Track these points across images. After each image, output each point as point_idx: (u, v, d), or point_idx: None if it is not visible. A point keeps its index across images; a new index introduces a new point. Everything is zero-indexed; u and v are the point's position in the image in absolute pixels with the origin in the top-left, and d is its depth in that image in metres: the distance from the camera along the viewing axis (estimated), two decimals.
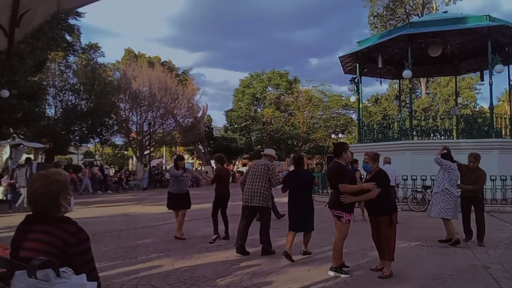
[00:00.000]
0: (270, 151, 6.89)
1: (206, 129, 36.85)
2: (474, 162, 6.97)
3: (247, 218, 6.31)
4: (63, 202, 1.89)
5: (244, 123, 41.85)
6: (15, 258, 1.78)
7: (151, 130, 30.07)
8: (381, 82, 35.45)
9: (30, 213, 1.91)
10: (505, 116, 16.73)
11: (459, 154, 14.05)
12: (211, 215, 7.51)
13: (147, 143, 30.13)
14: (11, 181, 13.36)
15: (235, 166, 42.70)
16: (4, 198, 13.69)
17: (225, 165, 8.30)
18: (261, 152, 7.21)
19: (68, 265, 1.58)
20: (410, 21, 22.12)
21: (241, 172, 38.16)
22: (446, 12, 18.99)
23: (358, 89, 17.14)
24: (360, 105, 17.85)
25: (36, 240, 1.79)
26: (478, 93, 43.36)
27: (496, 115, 15.70)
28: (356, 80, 17.15)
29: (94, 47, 30.97)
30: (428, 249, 6.56)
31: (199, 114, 33.00)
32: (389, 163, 10.60)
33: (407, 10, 36.22)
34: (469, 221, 7.00)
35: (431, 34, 14.58)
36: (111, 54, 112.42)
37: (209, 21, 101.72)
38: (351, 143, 32.32)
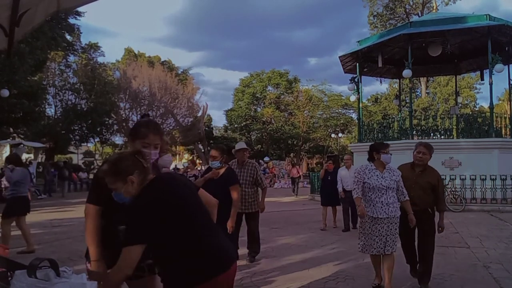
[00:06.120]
0: (240, 145, 5.66)
1: (206, 128, 36.86)
2: (425, 153, 4.42)
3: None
4: None
5: (244, 123, 41.85)
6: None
7: None
8: (381, 82, 35.55)
9: None
10: (505, 115, 16.71)
11: (459, 153, 14.24)
12: None
13: None
14: None
15: None
16: None
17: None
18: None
19: None
20: (410, 20, 22.13)
21: None
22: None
23: (358, 88, 17.13)
24: (360, 105, 17.84)
25: None
26: (478, 92, 43.46)
27: (496, 115, 15.70)
28: (356, 80, 17.13)
29: (94, 47, 31.04)
30: None
31: (199, 114, 33.01)
32: (348, 167, 8.23)
33: (407, 10, 36.22)
34: (414, 248, 4.62)
35: (431, 33, 14.58)
36: (111, 53, 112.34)
37: (207, 21, 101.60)
38: (351, 143, 32.51)
